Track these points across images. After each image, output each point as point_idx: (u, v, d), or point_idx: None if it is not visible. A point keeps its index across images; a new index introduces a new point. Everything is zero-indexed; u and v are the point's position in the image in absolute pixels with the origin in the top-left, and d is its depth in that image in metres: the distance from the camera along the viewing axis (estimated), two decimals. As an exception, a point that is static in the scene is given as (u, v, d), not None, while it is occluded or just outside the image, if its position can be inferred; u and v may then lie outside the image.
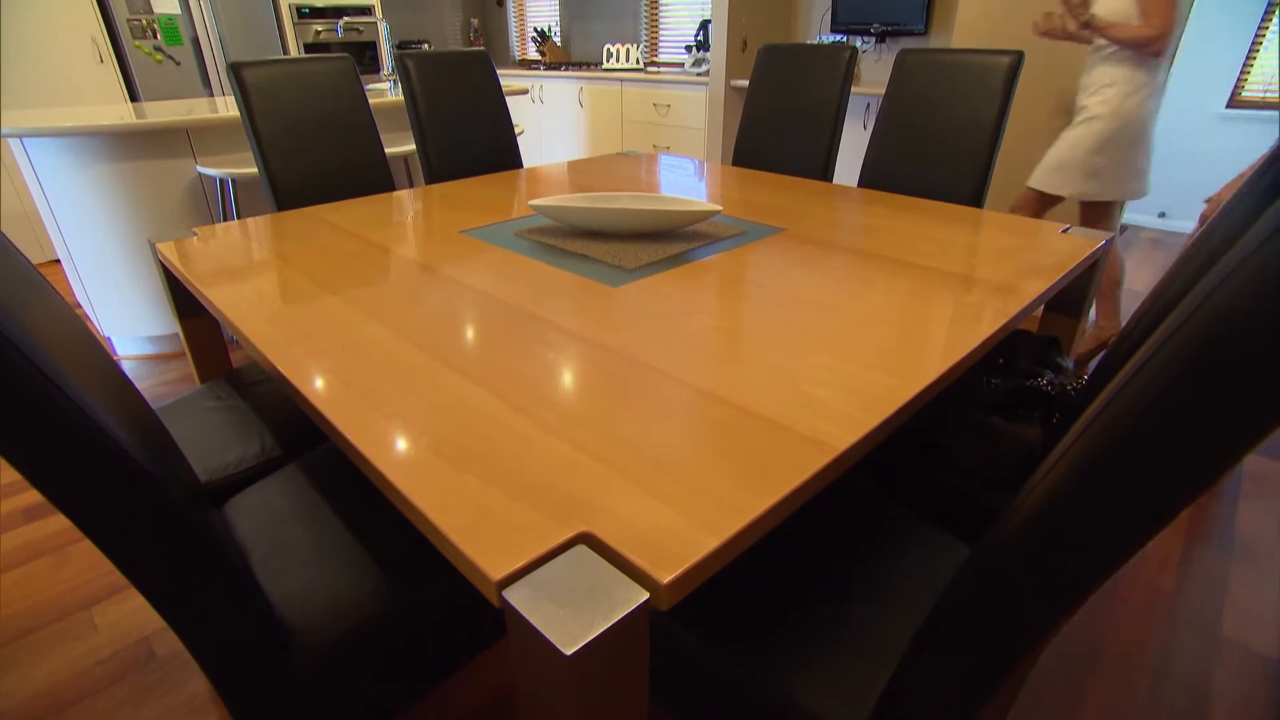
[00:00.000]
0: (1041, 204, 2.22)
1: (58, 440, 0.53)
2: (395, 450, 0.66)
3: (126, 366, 2.48)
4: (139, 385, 2.32)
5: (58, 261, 3.44)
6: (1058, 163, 2.12)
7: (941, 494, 1.07)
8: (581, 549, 0.54)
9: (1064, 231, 1.38)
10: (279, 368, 0.82)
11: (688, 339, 0.88)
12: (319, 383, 0.78)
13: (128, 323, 2.48)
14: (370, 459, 0.64)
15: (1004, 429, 1.00)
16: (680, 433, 0.68)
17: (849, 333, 0.90)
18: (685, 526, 0.55)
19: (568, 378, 0.79)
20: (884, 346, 0.86)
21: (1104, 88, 2.00)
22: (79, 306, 2.77)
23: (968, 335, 0.89)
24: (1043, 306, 1.37)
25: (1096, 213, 2.17)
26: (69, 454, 0.54)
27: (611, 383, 0.77)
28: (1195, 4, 2.23)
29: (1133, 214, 4.19)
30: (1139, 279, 3.31)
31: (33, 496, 1.77)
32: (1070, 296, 1.42)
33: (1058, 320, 1.46)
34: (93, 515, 0.58)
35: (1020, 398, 1.06)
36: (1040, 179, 2.17)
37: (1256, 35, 3.54)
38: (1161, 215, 4.13)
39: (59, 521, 1.68)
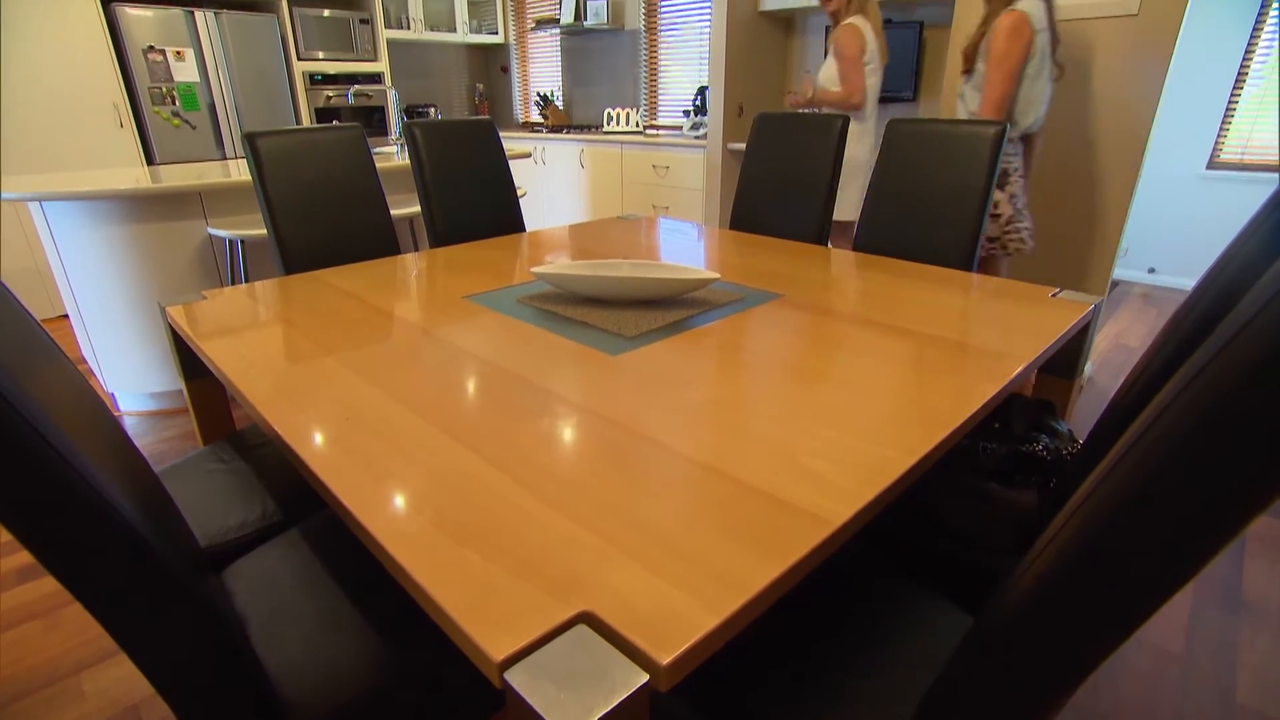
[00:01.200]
0: (838, 229, 2.86)
1: (59, 508, 0.53)
2: (398, 524, 0.67)
3: (129, 423, 2.49)
4: (141, 442, 2.33)
5: (66, 317, 3.49)
6: None
7: (941, 560, 1.06)
8: (582, 629, 0.55)
9: (1054, 295, 1.41)
10: (285, 438, 0.83)
11: (686, 409, 0.90)
12: (324, 454, 0.79)
13: (132, 379, 2.50)
14: (374, 534, 0.65)
15: (1001, 495, 1.01)
16: (679, 506, 0.69)
17: (845, 402, 0.92)
18: (684, 604, 0.56)
19: (568, 449, 0.80)
20: (880, 416, 0.88)
21: None
22: (84, 361, 2.79)
23: (962, 404, 0.91)
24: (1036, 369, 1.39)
25: (839, 230, 2.81)
26: (70, 523, 0.54)
27: (611, 455, 0.79)
28: (1170, 74, 2.33)
29: (1124, 270, 4.27)
30: (1132, 335, 3.35)
31: (26, 557, 1.75)
32: (1063, 358, 1.45)
33: (1051, 382, 1.48)
34: (90, 583, 0.58)
35: (1017, 463, 1.07)
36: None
37: (1229, 103, 3.69)
38: (1151, 271, 4.21)
39: (51, 583, 1.66)
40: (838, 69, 2.52)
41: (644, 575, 0.59)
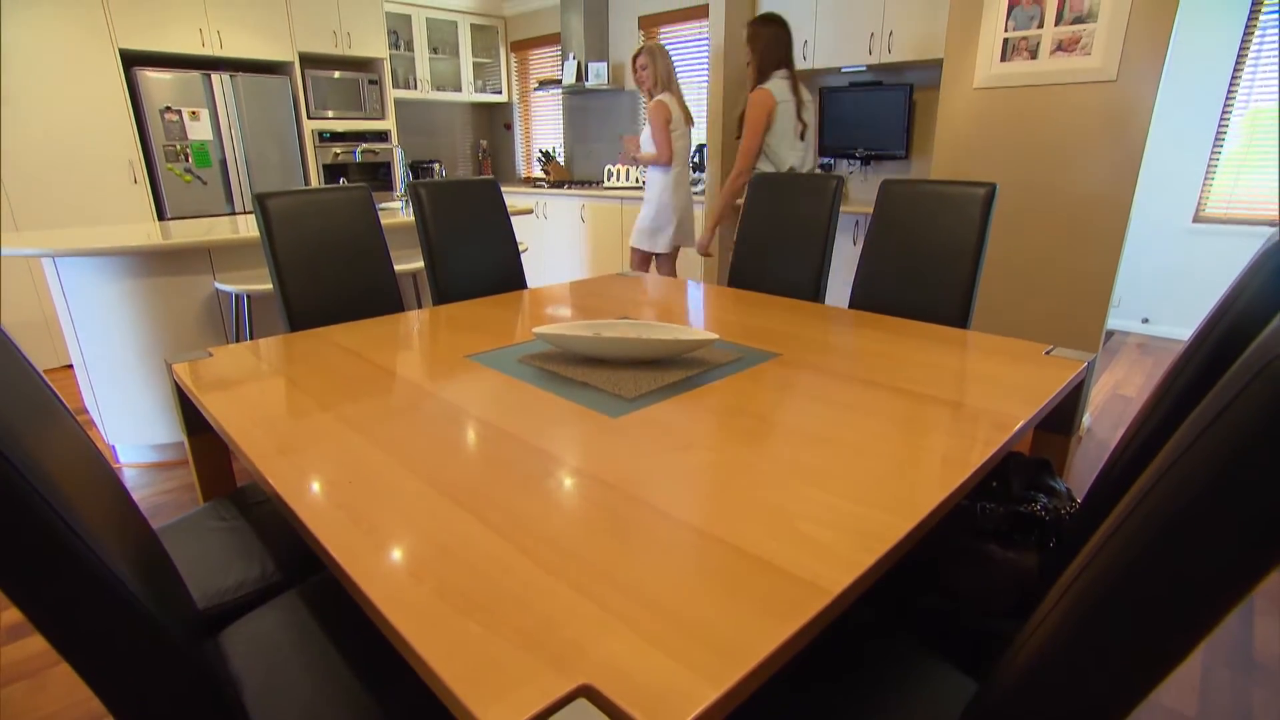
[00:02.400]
0: (643, 258, 3.49)
1: (57, 571, 0.54)
2: (400, 592, 0.67)
3: (129, 474, 2.48)
4: (141, 494, 2.32)
5: (70, 367, 3.51)
6: (635, 229, 3.44)
7: (941, 621, 1.05)
8: (582, 702, 0.55)
9: (1048, 353, 1.44)
10: (288, 502, 0.84)
11: (684, 473, 0.91)
12: (326, 518, 0.80)
13: (133, 431, 2.50)
14: (375, 602, 0.65)
15: (1001, 557, 1.01)
16: (678, 574, 0.69)
17: (843, 465, 0.93)
18: (684, 677, 0.56)
19: (569, 514, 0.81)
20: (878, 480, 0.89)
21: (650, 185, 3.35)
22: (85, 412, 2.80)
23: (960, 466, 0.92)
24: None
25: (661, 260, 3.46)
26: (66, 585, 0.54)
27: (610, 521, 0.79)
28: (1151, 134, 2.42)
29: (1118, 320, 4.32)
30: (1129, 385, 3.37)
31: (13, 615, 1.73)
32: (1059, 415, 1.46)
33: (1049, 438, 1.49)
34: (83, 647, 0.57)
35: (1015, 523, 1.07)
36: (633, 240, 3.47)
37: (1210, 159, 3.82)
38: (1145, 321, 4.26)
39: (39, 642, 1.63)
40: (652, 135, 3.23)
41: (643, 646, 0.59)
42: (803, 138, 2.82)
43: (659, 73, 3.18)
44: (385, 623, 0.64)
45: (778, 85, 2.71)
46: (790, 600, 0.65)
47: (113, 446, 2.56)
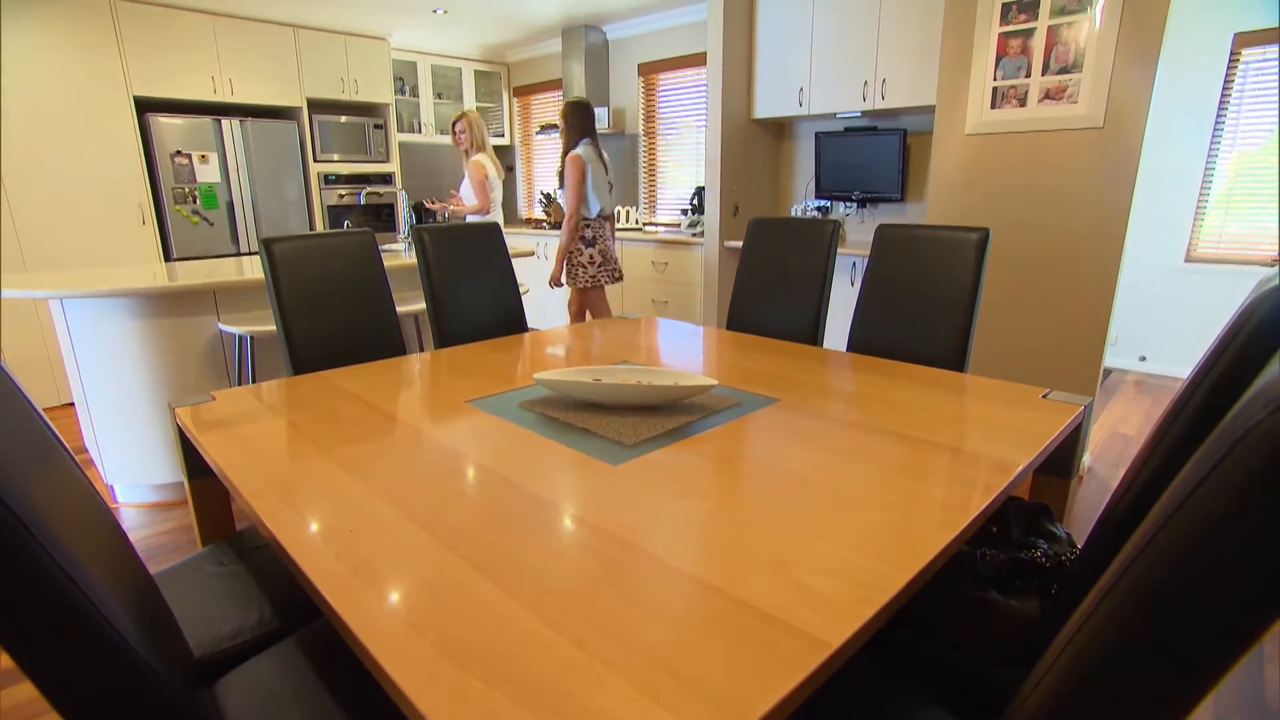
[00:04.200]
0: None
1: (56, 623, 0.54)
2: (400, 645, 0.67)
3: (127, 515, 2.47)
4: (139, 534, 2.31)
5: (71, 405, 3.52)
6: None
7: (943, 669, 1.04)
8: (582, 762, 0.54)
9: (1045, 396, 1.45)
10: (291, 552, 0.84)
11: (683, 521, 0.91)
12: (328, 568, 0.80)
13: (132, 471, 2.50)
14: (376, 656, 0.65)
15: (1002, 604, 1.01)
16: (677, 626, 0.69)
17: (841, 514, 0.93)
18: (685, 735, 0.56)
19: (568, 565, 0.81)
20: (877, 528, 0.89)
21: None
22: (85, 451, 2.80)
23: (959, 513, 0.92)
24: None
25: None
26: (64, 636, 0.55)
27: (610, 571, 0.79)
28: (1139, 177, 2.47)
29: (1115, 359, 4.34)
30: (1128, 423, 3.37)
31: (4, 662, 1.70)
32: (1058, 458, 1.46)
33: (1048, 481, 1.49)
34: (77, 698, 0.57)
35: (1016, 570, 1.07)
36: None
37: (1199, 201, 3.90)
38: (1142, 359, 4.28)
39: (27, 690, 1.60)
40: (473, 189, 3.80)
41: (642, 701, 0.59)
42: (610, 189, 3.50)
43: (475, 137, 3.78)
44: (384, 675, 0.64)
45: (585, 150, 3.34)
46: (789, 653, 0.65)
47: (111, 486, 2.55)
